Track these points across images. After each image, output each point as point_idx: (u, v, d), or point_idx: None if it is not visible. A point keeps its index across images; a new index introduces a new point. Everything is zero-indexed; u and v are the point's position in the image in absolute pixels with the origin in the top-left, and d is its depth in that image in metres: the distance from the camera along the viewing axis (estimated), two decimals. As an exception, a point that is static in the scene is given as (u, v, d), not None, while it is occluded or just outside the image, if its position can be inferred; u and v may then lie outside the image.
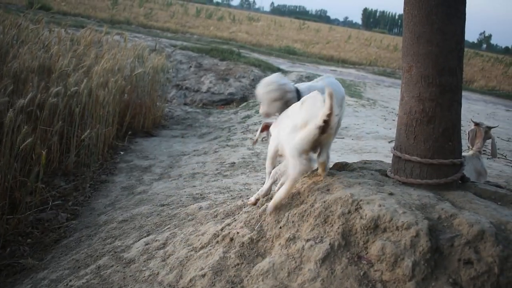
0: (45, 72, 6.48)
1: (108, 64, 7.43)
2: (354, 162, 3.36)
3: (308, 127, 2.59)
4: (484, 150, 4.51)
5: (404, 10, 2.78)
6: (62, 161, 6.08)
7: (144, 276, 2.88)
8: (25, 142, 4.65)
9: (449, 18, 2.61)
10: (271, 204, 2.78)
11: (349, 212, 2.43)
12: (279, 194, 2.74)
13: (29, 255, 4.30)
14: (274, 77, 3.33)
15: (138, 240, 3.57)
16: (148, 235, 3.65)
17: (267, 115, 3.32)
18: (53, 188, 5.61)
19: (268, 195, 3.18)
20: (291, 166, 2.68)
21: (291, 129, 2.72)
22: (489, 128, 4.40)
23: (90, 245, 3.93)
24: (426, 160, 2.67)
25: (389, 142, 7.69)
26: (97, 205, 5.36)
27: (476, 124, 4.42)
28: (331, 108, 2.46)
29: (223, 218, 3.42)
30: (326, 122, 2.52)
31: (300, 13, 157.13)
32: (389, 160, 3.13)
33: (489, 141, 4.51)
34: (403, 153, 2.76)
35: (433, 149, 2.67)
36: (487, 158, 7.21)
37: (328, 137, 2.66)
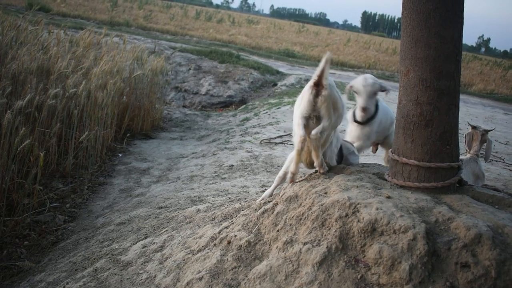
0: (44, 74, 6.48)
1: (107, 66, 7.43)
2: (352, 165, 3.36)
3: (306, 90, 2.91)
4: (482, 154, 4.51)
5: (402, 14, 2.78)
6: (60, 163, 6.08)
7: (141, 279, 2.88)
8: (23, 143, 4.64)
9: (447, 22, 2.62)
10: (288, 179, 3.09)
11: (346, 215, 2.43)
12: (291, 167, 3.06)
13: (26, 257, 4.30)
14: (369, 75, 3.95)
15: (136, 243, 3.56)
16: (145, 238, 3.65)
17: (365, 110, 3.90)
18: (50, 190, 5.60)
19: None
20: (294, 134, 3.00)
21: (297, 105, 3.01)
22: (486, 131, 4.39)
23: (87, 248, 3.93)
24: (424, 164, 2.67)
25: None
26: (95, 208, 5.36)
27: (473, 127, 4.42)
28: (322, 71, 2.77)
29: (220, 221, 3.42)
30: (318, 83, 2.80)
31: (299, 16, 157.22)
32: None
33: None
34: (401, 156, 2.76)
35: (431, 152, 2.67)
36: (485, 162, 7.22)
37: (323, 103, 2.85)
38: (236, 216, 3.29)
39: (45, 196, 5.28)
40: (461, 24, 2.70)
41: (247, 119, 10.49)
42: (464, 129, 4.49)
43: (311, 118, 2.92)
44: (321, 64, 2.78)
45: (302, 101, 2.94)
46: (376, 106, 4.02)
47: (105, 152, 7.15)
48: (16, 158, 4.78)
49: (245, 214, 3.12)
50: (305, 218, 2.58)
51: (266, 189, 5.05)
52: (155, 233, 3.74)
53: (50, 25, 9.55)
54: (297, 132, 2.94)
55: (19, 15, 9.20)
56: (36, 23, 8.27)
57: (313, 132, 2.90)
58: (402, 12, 2.78)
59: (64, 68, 6.50)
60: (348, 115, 4.11)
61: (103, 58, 7.85)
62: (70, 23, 15.60)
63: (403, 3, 2.78)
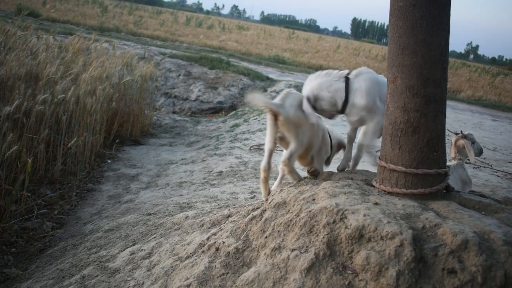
0: (32, 79, 6.45)
1: (96, 72, 7.41)
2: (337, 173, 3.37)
3: None
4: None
5: (389, 22, 2.81)
6: (48, 169, 6.04)
7: (129, 286, 2.86)
8: (10, 149, 4.61)
9: (434, 30, 2.64)
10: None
11: (334, 221, 2.43)
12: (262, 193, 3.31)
13: (13, 264, 4.26)
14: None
15: (124, 250, 3.55)
16: (133, 245, 3.63)
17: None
18: (38, 196, 5.56)
19: None
20: None
21: None
22: (462, 136, 4.39)
23: (75, 255, 3.90)
24: (411, 170, 2.68)
25: (377, 151, 7.72)
26: (83, 214, 5.32)
27: (456, 134, 4.44)
28: (270, 107, 3.02)
29: (209, 228, 3.41)
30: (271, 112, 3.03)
31: (289, 22, 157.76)
32: (375, 170, 3.14)
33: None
34: (388, 163, 2.77)
35: (418, 159, 2.68)
36: (473, 168, 7.27)
37: (283, 126, 3.05)
38: (225, 222, 3.29)
39: (33, 203, 5.24)
40: (448, 31, 2.72)
41: (236, 125, 10.49)
42: (452, 136, 4.50)
43: (281, 139, 3.14)
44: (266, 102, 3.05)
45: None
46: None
47: (93, 158, 7.12)
48: (3, 164, 4.75)
49: (234, 221, 3.11)
50: (293, 224, 2.58)
51: (255, 195, 5.06)
52: (143, 239, 3.73)
53: (39, 31, 9.52)
54: (262, 161, 3.20)
55: (8, 20, 9.15)
56: (25, 29, 8.23)
57: (282, 159, 3.13)
58: (390, 20, 2.80)
59: (53, 73, 6.47)
60: None
61: (92, 63, 7.83)
62: (59, 28, 15.55)
63: (390, 11, 2.80)
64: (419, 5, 2.64)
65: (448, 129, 4.60)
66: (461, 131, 4.42)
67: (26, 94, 5.78)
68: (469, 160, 4.42)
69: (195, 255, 2.89)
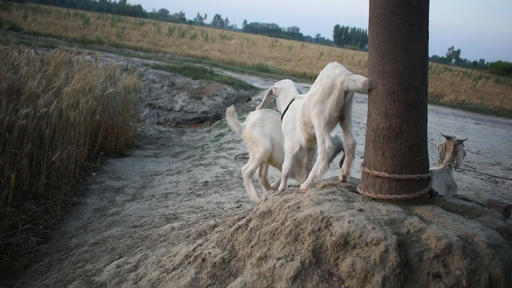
0: (14, 94, 6.39)
1: (78, 85, 7.36)
2: (324, 179, 3.38)
3: None
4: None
5: (369, 29, 2.83)
6: (32, 184, 5.98)
7: (115, 300, 2.84)
8: (-7, 165, 4.57)
9: (413, 36, 2.67)
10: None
11: (319, 229, 2.44)
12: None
13: (-2, 281, 4.21)
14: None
15: (110, 263, 3.52)
16: (119, 258, 3.60)
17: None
18: (23, 211, 5.51)
19: None
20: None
21: None
22: (459, 141, 4.44)
23: (60, 270, 3.86)
24: (394, 176, 2.70)
25: (361, 157, 7.75)
26: (69, 228, 5.28)
27: (448, 138, 4.47)
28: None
29: (195, 238, 3.40)
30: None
31: (272, 31, 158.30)
32: (359, 176, 3.16)
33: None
34: (372, 169, 2.79)
35: (401, 164, 2.71)
36: (457, 171, 7.33)
37: (245, 141, 4.01)
38: (211, 233, 3.28)
39: (17, 218, 5.19)
40: (427, 37, 2.76)
41: (221, 134, 10.49)
42: (436, 140, 4.53)
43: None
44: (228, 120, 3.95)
45: None
46: None
47: (78, 172, 7.07)
48: (-14, 180, 4.70)
49: (220, 231, 3.11)
50: (278, 233, 2.58)
51: (240, 205, 5.06)
52: (129, 252, 3.71)
53: (21, 45, 9.44)
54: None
55: (-12, 35, 9.07)
56: (6, 43, 8.16)
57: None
58: (369, 27, 2.83)
59: (35, 87, 6.42)
60: None
61: (75, 76, 7.78)
62: (41, 42, 15.44)
63: (369, 18, 2.83)
64: (398, 12, 2.68)
65: (441, 133, 4.64)
66: (457, 138, 4.46)
67: (8, 108, 5.73)
68: (455, 164, 4.46)
69: (181, 266, 2.88)
